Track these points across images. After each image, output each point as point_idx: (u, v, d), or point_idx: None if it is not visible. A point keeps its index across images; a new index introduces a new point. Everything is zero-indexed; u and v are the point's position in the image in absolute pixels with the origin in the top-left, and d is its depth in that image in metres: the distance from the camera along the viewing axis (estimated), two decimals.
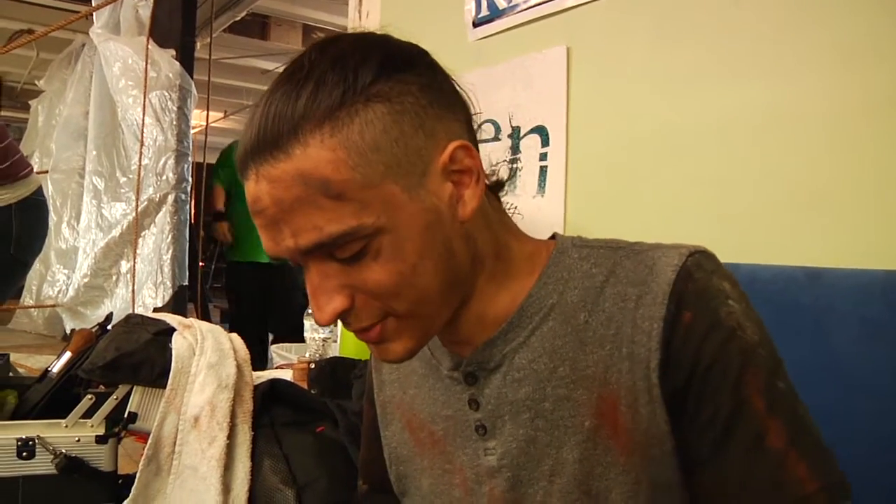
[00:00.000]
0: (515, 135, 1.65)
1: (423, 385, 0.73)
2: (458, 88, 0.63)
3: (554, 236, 0.69)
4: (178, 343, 1.19)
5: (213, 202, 4.04)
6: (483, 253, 0.64)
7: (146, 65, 3.85)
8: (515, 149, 1.65)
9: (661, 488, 0.59)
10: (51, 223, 5.13)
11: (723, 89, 1.26)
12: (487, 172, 0.68)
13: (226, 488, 1.11)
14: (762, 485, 0.55)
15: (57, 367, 1.33)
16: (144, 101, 3.87)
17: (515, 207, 1.59)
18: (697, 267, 0.58)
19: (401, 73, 0.57)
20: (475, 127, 0.66)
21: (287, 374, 1.55)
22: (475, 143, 0.64)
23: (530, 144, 1.62)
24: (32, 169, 2.64)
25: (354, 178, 0.54)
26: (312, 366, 1.45)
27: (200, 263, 3.45)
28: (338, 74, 0.55)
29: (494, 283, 0.65)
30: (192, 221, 4.37)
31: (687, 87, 1.32)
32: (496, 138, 1.67)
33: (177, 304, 3.78)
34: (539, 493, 0.63)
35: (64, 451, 1.14)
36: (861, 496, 0.74)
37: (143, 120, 3.88)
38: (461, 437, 0.68)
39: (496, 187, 0.70)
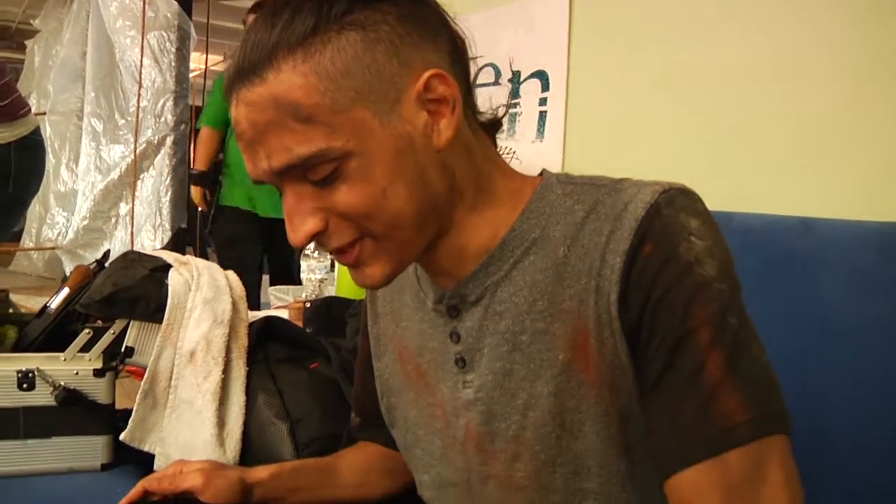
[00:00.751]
0: (515, 79, 1.64)
1: (413, 318, 0.75)
2: (447, 20, 0.64)
3: (542, 172, 0.69)
4: (174, 279, 1.20)
5: (194, 156, 3.49)
6: (462, 184, 0.64)
7: (144, 4, 3.79)
8: (515, 93, 1.64)
9: (630, 419, 0.60)
10: (49, 166, 5.13)
11: (725, 38, 1.25)
12: (481, 110, 0.69)
13: (220, 422, 1.13)
14: (691, 416, 0.55)
15: (55, 303, 1.33)
16: (142, 42, 3.82)
17: (514, 152, 1.58)
18: (668, 203, 0.59)
19: (378, 2, 0.58)
20: (472, 67, 0.66)
21: (283, 314, 1.56)
22: (463, 74, 0.64)
23: (530, 89, 1.62)
24: (30, 109, 2.62)
25: (324, 102, 0.56)
26: (308, 305, 1.47)
27: (200, 207, 3.43)
28: (313, 3, 0.57)
29: (475, 214, 0.66)
30: (191, 165, 4.36)
31: (689, 34, 1.30)
32: (496, 83, 1.66)
33: (175, 247, 3.79)
34: (512, 427, 0.64)
35: (63, 383, 1.15)
36: (845, 441, 0.76)
37: (142, 61, 3.84)
38: (443, 370, 0.70)
39: (492, 126, 0.71)
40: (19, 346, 1.28)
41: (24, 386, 1.15)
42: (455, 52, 0.64)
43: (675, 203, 0.59)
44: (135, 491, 0.89)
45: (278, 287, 2.14)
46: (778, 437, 0.54)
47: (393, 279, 0.64)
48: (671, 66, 1.33)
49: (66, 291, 1.34)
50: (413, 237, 0.62)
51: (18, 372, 1.15)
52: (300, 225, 0.59)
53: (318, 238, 0.61)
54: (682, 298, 0.56)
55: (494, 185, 0.67)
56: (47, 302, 1.38)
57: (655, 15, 1.35)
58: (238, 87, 0.58)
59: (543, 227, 0.64)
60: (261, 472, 0.89)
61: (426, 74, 0.59)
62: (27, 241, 5.36)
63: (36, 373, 1.15)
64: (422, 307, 0.73)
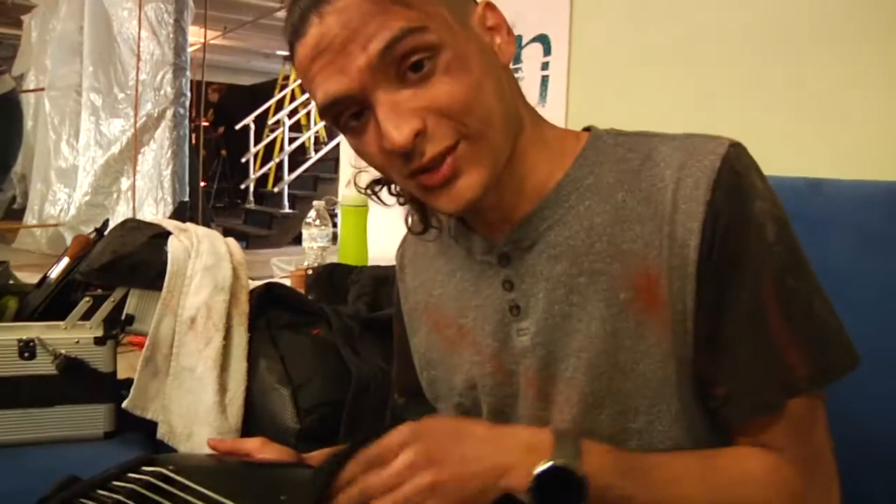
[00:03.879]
0: (517, 44, 1.61)
1: (450, 282, 0.75)
2: None
3: (588, 129, 0.70)
4: (173, 246, 1.19)
5: None
6: (521, 112, 0.66)
7: None
8: (517, 58, 1.61)
9: (682, 362, 0.62)
10: (50, 142, 5.11)
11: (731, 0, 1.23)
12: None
13: (222, 388, 1.12)
14: (760, 370, 0.60)
15: (55, 272, 1.33)
16: (140, 14, 3.79)
17: None
18: (737, 159, 0.60)
19: None
20: None
21: (286, 283, 1.55)
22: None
23: (532, 54, 1.59)
24: (6, 70, 2.58)
25: None
26: (310, 272, 1.46)
27: (202, 183, 3.42)
28: None
29: (535, 149, 0.66)
30: (193, 140, 4.34)
31: None
32: None
33: (177, 220, 3.78)
34: (569, 370, 0.65)
35: (64, 352, 1.15)
36: (852, 401, 0.76)
37: (140, 33, 3.81)
38: (491, 323, 0.70)
39: None
40: (20, 317, 1.28)
41: (26, 355, 1.15)
42: None
43: (743, 160, 0.61)
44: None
45: (281, 258, 2.14)
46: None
47: (488, 189, 0.62)
48: (674, 28, 1.31)
49: (65, 261, 1.34)
50: (502, 141, 0.62)
51: (19, 341, 1.14)
52: (403, 123, 0.57)
53: (418, 143, 0.58)
54: (754, 260, 0.59)
55: (543, 129, 0.68)
56: (47, 272, 1.38)
57: None
58: (322, 4, 0.57)
59: (597, 174, 0.65)
60: (315, 457, 0.88)
61: (481, 4, 0.63)
62: (30, 219, 5.36)
63: (37, 342, 1.15)
64: (462, 266, 0.73)
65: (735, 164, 0.60)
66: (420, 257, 0.80)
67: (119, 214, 4.27)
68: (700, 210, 0.59)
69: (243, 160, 8.23)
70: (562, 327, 0.65)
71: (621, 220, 0.63)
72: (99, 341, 1.18)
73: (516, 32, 1.63)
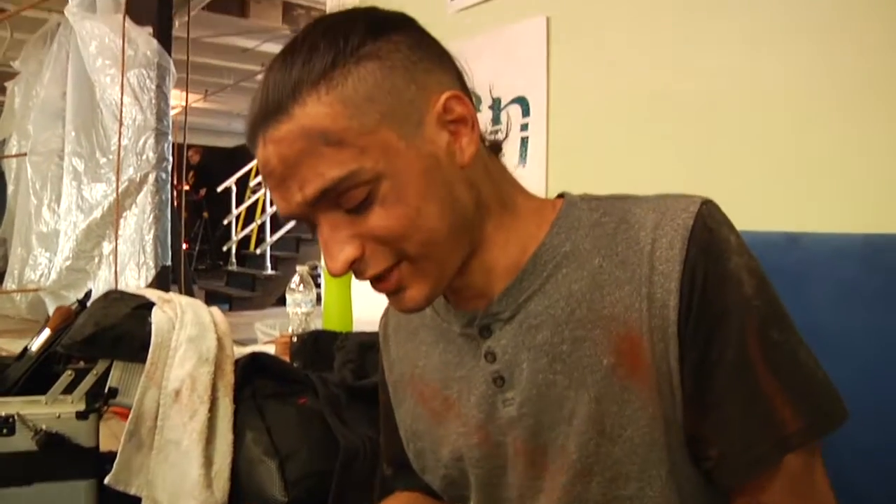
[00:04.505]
0: (496, 105, 1.65)
1: (433, 353, 0.75)
2: (445, 49, 0.66)
3: (561, 195, 0.71)
4: (157, 317, 1.19)
5: None
6: (488, 201, 0.66)
7: (123, 43, 3.80)
8: (496, 119, 1.64)
9: (670, 424, 0.61)
10: (31, 207, 5.09)
11: (704, 58, 1.26)
12: (484, 135, 0.70)
13: (208, 461, 1.11)
14: (753, 428, 0.59)
15: (36, 345, 1.31)
16: (122, 80, 3.82)
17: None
18: (710, 216, 0.61)
19: (388, 33, 0.61)
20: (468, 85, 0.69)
21: (270, 349, 1.54)
22: (469, 96, 0.66)
23: (511, 115, 1.62)
24: None
25: (351, 125, 0.57)
26: (295, 339, 1.45)
27: (184, 245, 3.41)
28: (329, 40, 0.59)
29: (503, 231, 0.67)
30: (175, 203, 4.34)
31: (668, 57, 1.32)
32: (477, 110, 1.66)
33: (160, 285, 3.76)
34: (560, 437, 0.64)
35: (44, 427, 1.13)
36: (835, 449, 0.76)
37: (122, 99, 3.83)
38: (477, 394, 0.69)
39: (494, 149, 0.72)
40: None
41: (4, 431, 1.12)
42: (459, 76, 0.66)
43: (715, 216, 0.62)
44: None
45: (264, 322, 2.12)
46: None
47: (434, 299, 0.65)
48: (651, 88, 1.34)
49: (47, 332, 1.32)
50: (448, 254, 0.63)
51: None
52: (338, 253, 0.60)
53: (356, 266, 0.61)
54: (735, 316, 0.59)
55: (516, 203, 0.68)
56: (28, 344, 1.36)
57: (633, 38, 1.36)
58: (264, 128, 0.59)
59: (573, 240, 0.66)
60: None
61: (444, 96, 0.61)
62: (10, 284, 5.29)
63: (16, 417, 1.13)
64: (444, 338, 0.73)
65: (708, 221, 0.61)
66: (403, 328, 0.80)
67: (101, 279, 4.23)
68: (677, 269, 0.60)
69: (225, 222, 8.23)
70: (547, 396, 0.65)
71: (600, 285, 0.63)
72: (81, 416, 1.16)
73: (495, 95, 1.67)
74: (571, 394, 0.63)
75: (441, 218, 0.60)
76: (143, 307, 1.23)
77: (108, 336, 1.17)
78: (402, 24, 0.63)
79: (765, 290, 0.60)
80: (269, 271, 7.23)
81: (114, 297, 1.28)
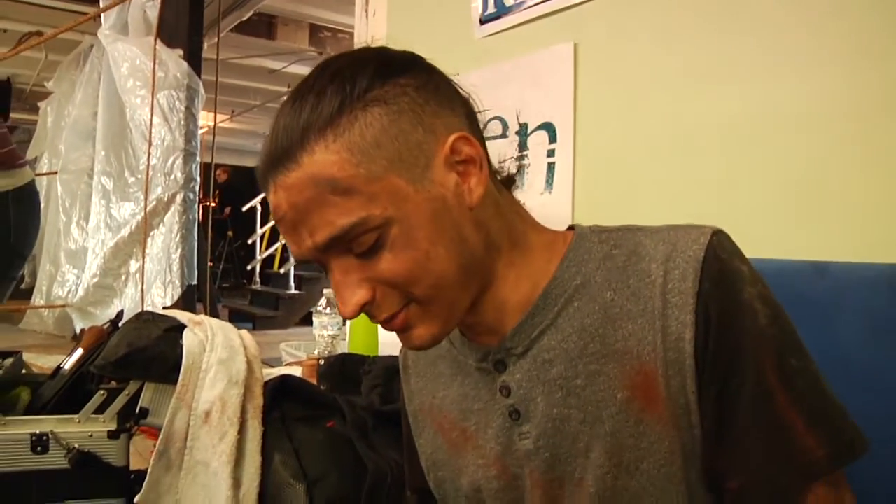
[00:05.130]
0: (523, 132, 1.66)
1: (452, 385, 0.76)
2: (456, 87, 0.67)
3: (572, 227, 0.72)
4: (188, 339, 1.21)
5: None
6: (498, 240, 0.67)
7: (154, 65, 3.87)
8: (523, 146, 1.66)
9: (689, 456, 0.61)
10: (60, 224, 5.19)
11: (730, 86, 1.27)
12: (496, 169, 0.72)
13: (236, 483, 1.12)
14: (772, 457, 0.59)
15: (69, 364, 1.34)
16: (152, 102, 3.89)
17: (523, 204, 1.59)
18: (721, 247, 0.61)
19: (396, 77, 0.62)
20: (481, 124, 0.69)
21: (296, 372, 1.56)
22: (479, 135, 0.67)
23: (538, 141, 1.63)
24: (27, 162, 2.67)
25: (359, 173, 0.58)
26: (321, 362, 1.47)
27: (209, 263, 3.45)
28: (336, 86, 0.60)
29: (514, 269, 0.68)
30: (201, 221, 4.40)
31: (695, 84, 1.32)
32: (503, 135, 1.68)
33: (186, 303, 3.80)
34: (577, 469, 0.65)
35: (77, 445, 1.15)
36: (867, 484, 0.75)
37: (152, 120, 3.90)
38: (494, 427, 0.70)
39: (507, 182, 0.73)
40: (32, 408, 1.28)
41: (38, 449, 1.15)
42: (469, 114, 0.67)
43: (726, 246, 0.62)
44: None
45: (290, 343, 2.14)
46: None
47: (441, 339, 0.66)
48: (678, 114, 1.35)
49: (79, 352, 1.35)
50: (458, 296, 0.64)
51: (32, 435, 1.15)
52: (350, 297, 0.61)
53: (367, 309, 0.62)
54: (751, 346, 0.59)
55: (527, 238, 0.69)
56: (61, 363, 1.39)
57: (661, 66, 1.37)
58: (274, 174, 0.60)
59: (584, 273, 0.66)
60: None
61: (452, 138, 0.62)
62: (38, 299, 5.38)
63: (50, 435, 1.15)
64: (461, 371, 0.74)
65: (719, 252, 0.61)
66: (422, 359, 0.81)
67: (127, 297, 4.29)
68: (690, 302, 0.60)
69: (250, 241, 8.30)
70: (562, 430, 0.65)
71: (612, 318, 0.64)
72: (112, 435, 1.18)
73: (522, 120, 1.68)
74: (587, 428, 0.64)
75: (450, 260, 0.61)
76: (175, 329, 1.25)
77: (141, 357, 1.19)
78: (410, 66, 0.64)
79: (779, 319, 0.60)
80: (293, 291, 7.28)
81: (145, 318, 1.31)
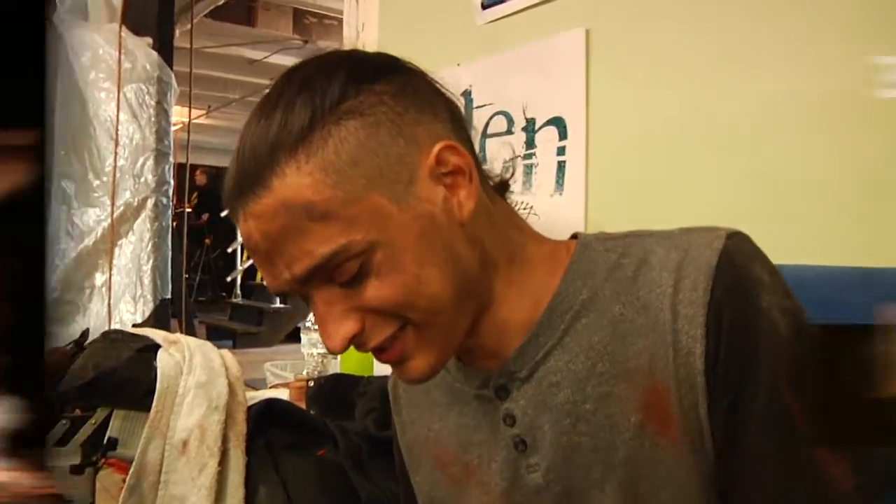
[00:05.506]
0: (530, 127, 1.66)
1: (448, 415, 0.75)
2: (439, 87, 0.67)
3: (575, 235, 0.71)
4: (163, 360, 1.21)
5: None
6: (494, 255, 0.66)
7: (119, 55, 3.87)
8: (530, 143, 1.66)
9: (707, 481, 0.61)
10: None
11: (753, 76, 1.26)
12: (487, 174, 0.71)
13: None
14: (792, 485, 0.58)
15: None
16: (119, 96, 3.89)
17: (531, 207, 1.60)
18: (737, 252, 0.61)
19: (370, 83, 0.61)
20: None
21: (283, 395, 1.56)
22: (466, 140, 0.67)
23: (547, 138, 1.63)
24: None
25: (336, 195, 0.58)
26: (311, 384, 1.47)
27: (185, 275, 3.45)
28: (305, 97, 0.59)
29: (514, 286, 0.67)
30: (175, 228, 4.40)
31: (728, 70, 1.31)
32: (509, 132, 1.68)
33: (158, 320, 3.79)
34: (594, 502, 0.65)
35: None
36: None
37: (118, 116, 3.90)
38: (498, 461, 0.70)
39: (501, 188, 0.73)
40: None
41: None
42: (454, 118, 0.66)
43: (744, 251, 0.61)
44: None
45: (275, 363, 2.14)
46: None
47: (440, 369, 0.65)
48: (705, 105, 1.35)
49: None
50: (455, 319, 0.63)
51: None
52: (336, 331, 0.60)
53: (356, 340, 0.62)
54: (768, 359, 0.58)
55: (526, 251, 0.69)
56: None
57: (686, 49, 1.37)
58: (243, 202, 0.59)
59: (591, 286, 0.66)
60: None
61: (436, 148, 0.61)
62: None
63: None
64: (458, 400, 0.74)
65: (734, 257, 0.60)
66: (413, 387, 0.81)
67: (92, 313, 4.28)
68: (701, 314, 0.59)
69: (230, 250, 8.30)
70: (573, 460, 0.65)
71: (622, 335, 0.63)
72: (76, 470, 1.18)
73: (529, 115, 1.69)
74: (600, 456, 0.64)
75: (443, 282, 0.61)
76: (148, 349, 1.25)
77: (109, 381, 1.19)
78: (385, 69, 0.63)
79: (803, 332, 0.59)
80: (278, 304, 7.27)
81: (114, 337, 1.31)
